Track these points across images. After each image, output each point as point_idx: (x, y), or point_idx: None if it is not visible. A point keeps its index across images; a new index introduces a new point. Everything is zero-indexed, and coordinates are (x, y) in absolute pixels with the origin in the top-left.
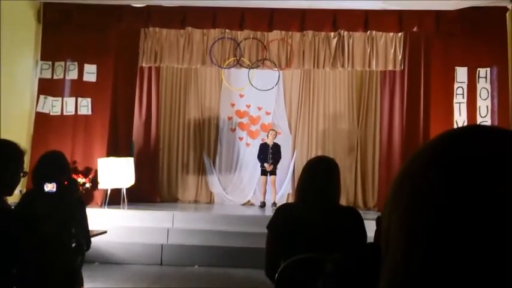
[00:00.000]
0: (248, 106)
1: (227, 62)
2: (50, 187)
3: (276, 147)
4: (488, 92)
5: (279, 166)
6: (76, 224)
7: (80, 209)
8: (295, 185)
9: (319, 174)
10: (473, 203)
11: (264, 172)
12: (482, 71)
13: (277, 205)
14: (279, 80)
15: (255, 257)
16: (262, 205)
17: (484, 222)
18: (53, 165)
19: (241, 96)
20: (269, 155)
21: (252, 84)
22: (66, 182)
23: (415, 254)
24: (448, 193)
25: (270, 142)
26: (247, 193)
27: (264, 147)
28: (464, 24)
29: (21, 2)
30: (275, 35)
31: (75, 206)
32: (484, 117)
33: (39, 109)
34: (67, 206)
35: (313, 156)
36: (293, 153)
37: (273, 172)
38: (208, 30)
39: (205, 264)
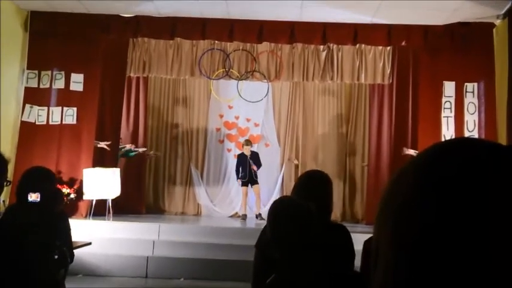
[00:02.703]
0: (237, 117)
1: (216, 73)
2: (33, 197)
3: (255, 156)
4: (475, 106)
5: (267, 178)
6: (59, 236)
7: (63, 221)
8: None
9: (306, 191)
10: (461, 218)
11: (244, 183)
12: (469, 86)
13: (262, 216)
14: (268, 91)
15: (242, 270)
16: (244, 217)
17: (470, 237)
18: (37, 176)
19: (230, 107)
20: (248, 166)
21: (241, 96)
22: (49, 192)
23: (404, 270)
24: (436, 209)
25: (247, 153)
26: (234, 205)
27: (242, 157)
28: (452, 39)
29: (8, 10)
30: (264, 46)
31: (59, 217)
32: (472, 132)
33: (25, 118)
34: (50, 217)
35: (301, 168)
36: (282, 165)
37: (255, 182)
38: (197, 41)
39: (192, 277)
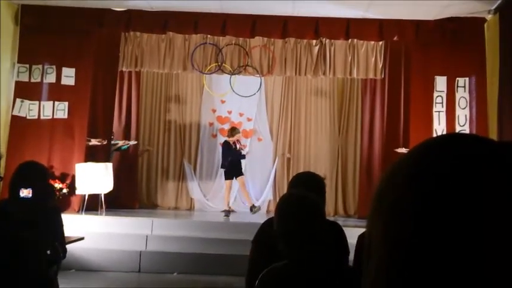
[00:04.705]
0: (229, 112)
1: (209, 68)
2: (25, 192)
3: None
4: (466, 101)
5: (260, 172)
6: (52, 232)
7: (56, 216)
8: (277, 191)
9: (303, 189)
10: (452, 217)
11: (228, 176)
12: (461, 81)
13: (256, 207)
14: (260, 86)
15: (236, 264)
16: (227, 214)
17: (462, 235)
18: (29, 171)
19: (222, 102)
20: (233, 155)
21: (233, 90)
22: (42, 187)
23: (396, 267)
24: (427, 207)
25: (232, 141)
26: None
27: (225, 145)
28: (444, 34)
29: None
30: (257, 41)
31: (51, 212)
32: (463, 126)
33: (16, 113)
34: (43, 212)
35: (294, 162)
36: (274, 159)
37: (240, 173)
38: (189, 36)
39: (185, 271)
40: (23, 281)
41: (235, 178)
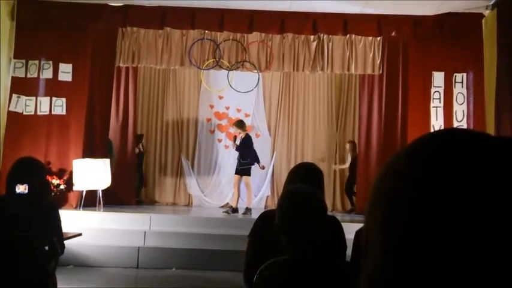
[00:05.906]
0: (227, 108)
1: (206, 63)
2: (21, 188)
3: (244, 139)
4: (464, 96)
5: (257, 168)
6: (49, 228)
7: (53, 212)
8: (275, 187)
9: (300, 182)
10: (448, 213)
11: (237, 171)
12: (458, 76)
13: (251, 210)
14: (258, 82)
15: (233, 260)
16: (227, 211)
17: (456, 232)
18: (26, 167)
19: (220, 97)
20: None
21: (231, 86)
22: (38, 183)
23: (392, 264)
24: (423, 203)
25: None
26: (225, 195)
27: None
28: (442, 30)
29: None
30: (255, 37)
31: (48, 208)
32: (460, 122)
33: (12, 108)
34: (39, 208)
35: (292, 158)
36: (272, 155)
37: (240, 171)
38: (187, 31)
39: (183, 266)
40: (23, 277)
41: (242, 175)
